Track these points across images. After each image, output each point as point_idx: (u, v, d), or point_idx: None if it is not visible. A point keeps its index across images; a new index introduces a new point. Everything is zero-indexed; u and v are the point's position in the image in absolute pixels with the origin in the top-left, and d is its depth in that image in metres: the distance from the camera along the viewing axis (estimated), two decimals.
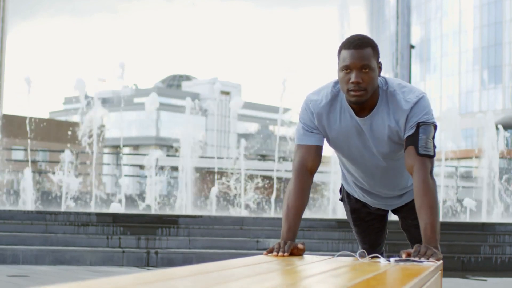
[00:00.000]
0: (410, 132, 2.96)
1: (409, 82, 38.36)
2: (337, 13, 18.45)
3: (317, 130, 3.05)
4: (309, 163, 3.04)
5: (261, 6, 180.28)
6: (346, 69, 2.87)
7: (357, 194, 3.48)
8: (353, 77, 2.85)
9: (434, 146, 2.99)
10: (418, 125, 2.94)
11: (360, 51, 2.86)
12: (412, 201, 3.39)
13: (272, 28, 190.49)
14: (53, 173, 17.83)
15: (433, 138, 2.99)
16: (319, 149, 3.07)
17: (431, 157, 2.97)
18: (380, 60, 2.97)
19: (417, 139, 2.95)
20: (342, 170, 3.42)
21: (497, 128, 19.02)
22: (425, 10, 67.36)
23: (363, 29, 75.50)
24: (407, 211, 3.47)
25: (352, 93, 2.88)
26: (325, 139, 3.10)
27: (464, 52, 63.30)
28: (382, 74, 3.04)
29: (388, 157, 3.13)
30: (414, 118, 2.96)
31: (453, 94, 62.86)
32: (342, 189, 3.62)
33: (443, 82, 64.76)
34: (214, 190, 17.48)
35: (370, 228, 3.63)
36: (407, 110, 2.96)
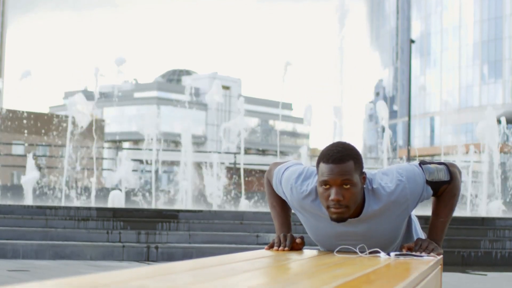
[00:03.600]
0: (430, 192, 2.86)
1: (409, 76, 37.94)
2: (337, 8, 18.47)
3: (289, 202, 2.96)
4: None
5: (261, 0, 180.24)
6: (325, 184, 2.66)
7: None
8: (333, 193, 2.64)
9: (440, 163, 2.92)
10: (427, 182, 2.84)
11: (340, 166, 2.63)
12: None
13: (273, 22, 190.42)
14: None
15: (432, 163, 2.90)
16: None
17: (448, 166, 2.91)
18: (364, 169, 2.73)
19: (439, 182, 2.87)
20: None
21: (499, 122, 18.98)
22: (425, 5, 67.24)
23: (363, 24, 75.46)
24: None
25: (333, 209, 2.67)
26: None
27: (464, 47, 63.21)
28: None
29: (378, 243, 2.90)
30: (420, 187, 2.82)
31: (453, 88, 62.81)
32: None
33: (443, 76, 64.70)
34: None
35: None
36: (405, 193, 2.79)
